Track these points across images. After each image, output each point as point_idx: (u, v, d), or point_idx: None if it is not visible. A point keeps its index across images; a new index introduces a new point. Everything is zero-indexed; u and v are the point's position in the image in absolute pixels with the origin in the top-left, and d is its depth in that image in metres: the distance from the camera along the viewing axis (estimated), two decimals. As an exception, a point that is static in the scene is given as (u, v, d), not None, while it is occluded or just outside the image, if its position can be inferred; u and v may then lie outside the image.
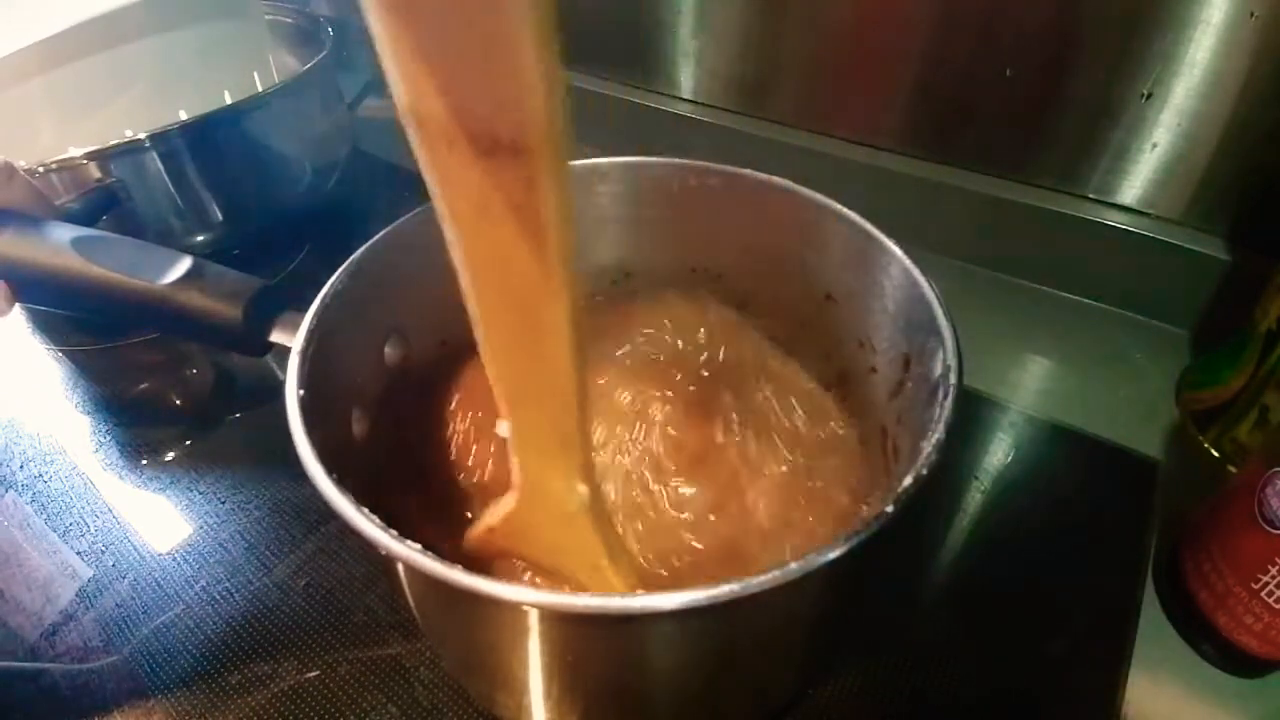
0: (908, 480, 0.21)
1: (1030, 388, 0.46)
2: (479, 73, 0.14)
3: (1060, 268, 0.51)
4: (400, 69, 0.14)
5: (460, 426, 0.34)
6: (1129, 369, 0.47)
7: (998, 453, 0.41)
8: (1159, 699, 0.32)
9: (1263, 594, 0.29)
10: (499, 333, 0.19)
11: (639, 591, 0.24)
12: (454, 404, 0.35)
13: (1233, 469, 0.39)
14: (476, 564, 0.26)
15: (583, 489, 0.22)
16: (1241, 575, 0.30)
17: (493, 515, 0.26)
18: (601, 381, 0.35)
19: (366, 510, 0.21)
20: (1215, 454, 0.40)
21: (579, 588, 0.25)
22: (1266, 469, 0.29)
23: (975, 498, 0.39)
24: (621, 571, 0.24)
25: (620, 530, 0.30)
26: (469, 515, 0.31)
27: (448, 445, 0.33)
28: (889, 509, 0.20)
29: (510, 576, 0.28)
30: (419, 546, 0.19)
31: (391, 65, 0.14)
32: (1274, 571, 0.29)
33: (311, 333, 0.27)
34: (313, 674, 0.32)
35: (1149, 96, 0.44)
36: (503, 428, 0.22)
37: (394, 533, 0.20)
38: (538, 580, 0.28)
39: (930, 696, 0.31)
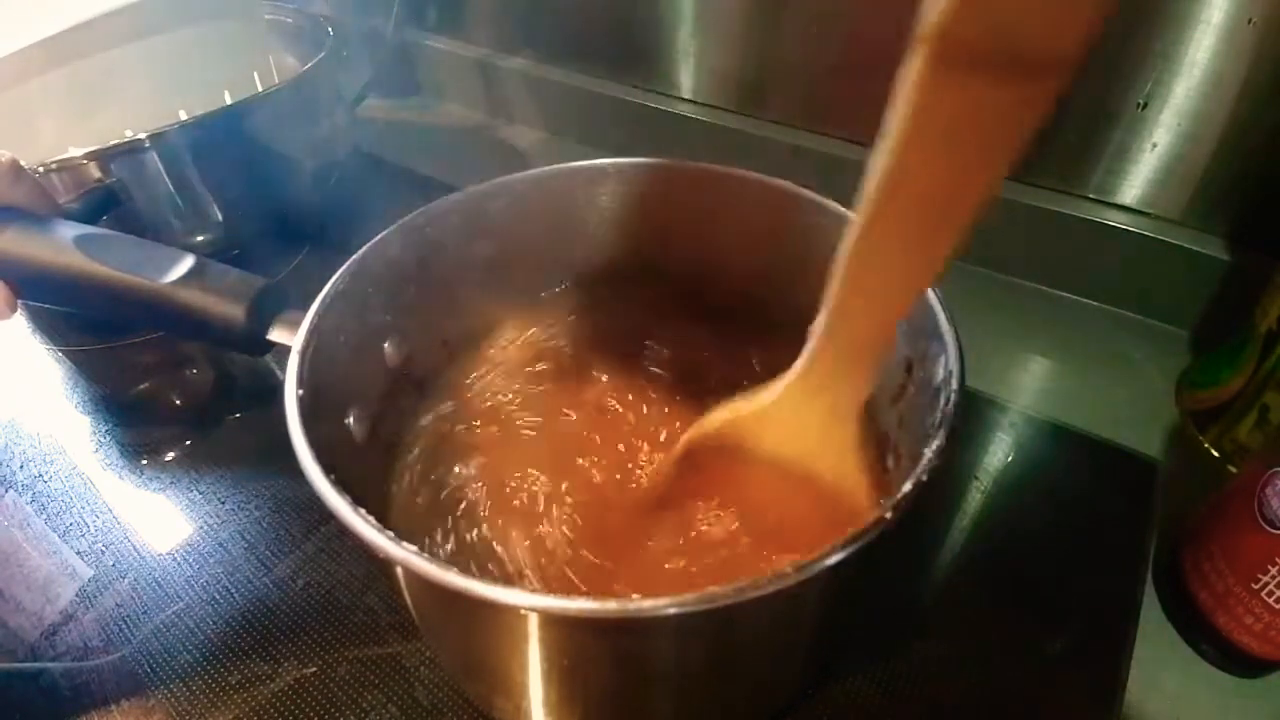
0: (907, 486, 0.21)
1: (1030, 388, 0.46)
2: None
3: (1060, 268, 0.51)
4: None
5: (460, 427, 0.34)
6: (1129, 369, 0.46)
7: (998, 453, 0.41)
8: (1159, 699, 0.32)
9: (1263, 594, 0.29)
10: (888, 229, 0.20)
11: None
12: (454, 405, 0.35)
13: (1233, 469, 0.39)
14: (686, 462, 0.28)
15: (864, 393, 0.24)
16: (1241, 575, 0.30)
17: (743, 405, 0.26)
18: (603, 377, 0.35)
19: (363, 511, 0.20)
20: (1215, 454, 0.40)
21: (821, 484, 0.26)
22: (1266, 469, 0.29)
23: (975, 498, 0.39)
24: (862, 467, 0.25)
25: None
26: (467, 516, 0.31)
27: (448, 445, 0.33)
28: (887, 515, 0.20)
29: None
30: (415, 548, 0.19)
31: None
32: (1274, 571, 0.29)
33: (311, 332, 0.27)
34: (311, 672, 0.32)
35: (1149, 97, 0.44)
36: (819, 320, 0.23)
37: (390, 534, 0.20)
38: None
39: (929, 696, 0.31)
